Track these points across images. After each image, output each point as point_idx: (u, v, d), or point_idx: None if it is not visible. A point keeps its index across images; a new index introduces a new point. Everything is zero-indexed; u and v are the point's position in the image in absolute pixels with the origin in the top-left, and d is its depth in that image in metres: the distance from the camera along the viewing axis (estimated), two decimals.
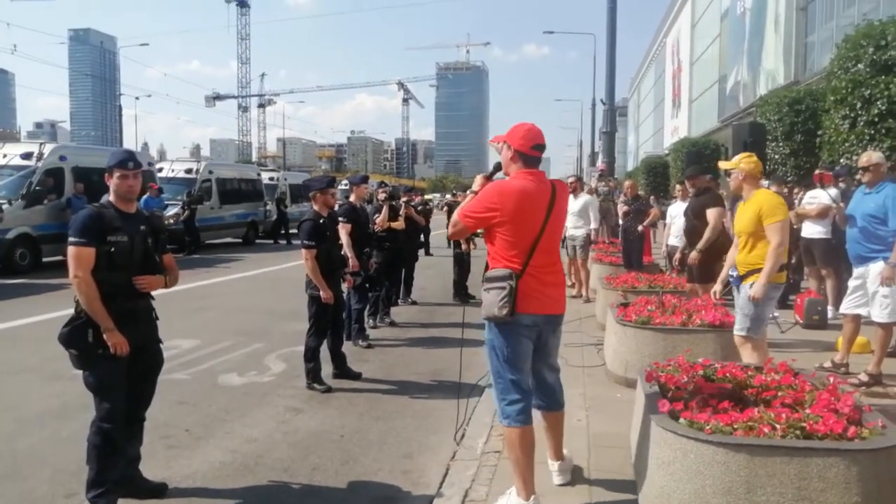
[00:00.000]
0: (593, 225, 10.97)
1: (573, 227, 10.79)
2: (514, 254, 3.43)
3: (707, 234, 7.21)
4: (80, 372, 3.65)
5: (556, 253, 3.61)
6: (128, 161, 3.67)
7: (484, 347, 3.60)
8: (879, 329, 5.75)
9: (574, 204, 10.51)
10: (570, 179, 11.11)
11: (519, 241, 3.43)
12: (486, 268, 3.53)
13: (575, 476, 3.94)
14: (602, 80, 22.15)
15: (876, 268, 5.67)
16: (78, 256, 3.53)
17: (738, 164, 5.02)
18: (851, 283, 6.02)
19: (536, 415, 3.72)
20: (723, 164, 5.37)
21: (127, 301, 3.66)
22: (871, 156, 5.91)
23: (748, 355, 4.81)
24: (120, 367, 3.61)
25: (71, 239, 3.55)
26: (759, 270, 4.78)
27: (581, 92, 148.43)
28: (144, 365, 3.79)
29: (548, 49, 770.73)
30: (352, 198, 7.95)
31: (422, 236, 14.23)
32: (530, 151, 3.51)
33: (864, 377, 5.68)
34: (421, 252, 13.59)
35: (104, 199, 3.78)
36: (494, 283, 3.41)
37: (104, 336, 3.53)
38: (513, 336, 3.46)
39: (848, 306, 6.03)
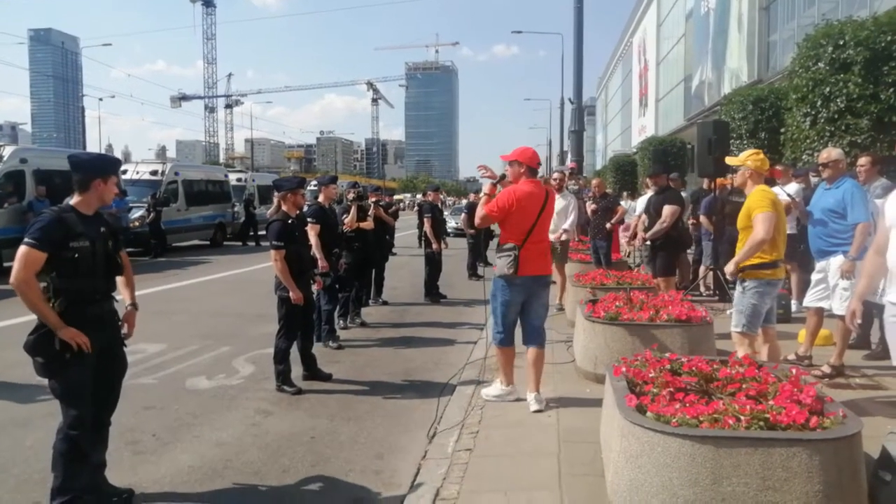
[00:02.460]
0: (564, 226, 9.38)
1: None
2: (518, 234, 5.11)
3: (657, 226, 7.61)
4: (45, 379, 3.58)
5: (545, 235, 5.34)
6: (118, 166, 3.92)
7: (486, 305, 5.52)
8: (841, 322, 5.86)
9: (558, 202, 8.67)
10: (555, 175, 10.31)
11: (521, 226, 5.11)
12: (499, 243, 5.23)
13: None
14: (570, 80, 22.37)
15: (836, 262, 5.80)
16: (28, 257, 3.39)
17: (745, 161, 5.08)
18: (814, 277, 6.15)
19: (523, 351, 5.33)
20: (730, 161, 5.42)
21: (94, 306, 3.60)
22: (831, 152, 6.05)
23: (742, 351, 4.85)
24: (87, 373, 3.55)
25: (27, 238, 3.41)
26: (751, 267, 4.87)
27: (550, 91, 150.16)
28: (109, 369, 3.74)
29: (517, 49, 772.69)
30: (320, 198, 7.91)
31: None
32: (536, 166, 5.29)
33: (826, 369, 5.80)
34: None
35: (66, 202, 3.69)
36: (505, 252, 5.12)
37: (59, 335, 3.43)
38: (509, 289, 5.17)
39: (810, 300, 6.16)
